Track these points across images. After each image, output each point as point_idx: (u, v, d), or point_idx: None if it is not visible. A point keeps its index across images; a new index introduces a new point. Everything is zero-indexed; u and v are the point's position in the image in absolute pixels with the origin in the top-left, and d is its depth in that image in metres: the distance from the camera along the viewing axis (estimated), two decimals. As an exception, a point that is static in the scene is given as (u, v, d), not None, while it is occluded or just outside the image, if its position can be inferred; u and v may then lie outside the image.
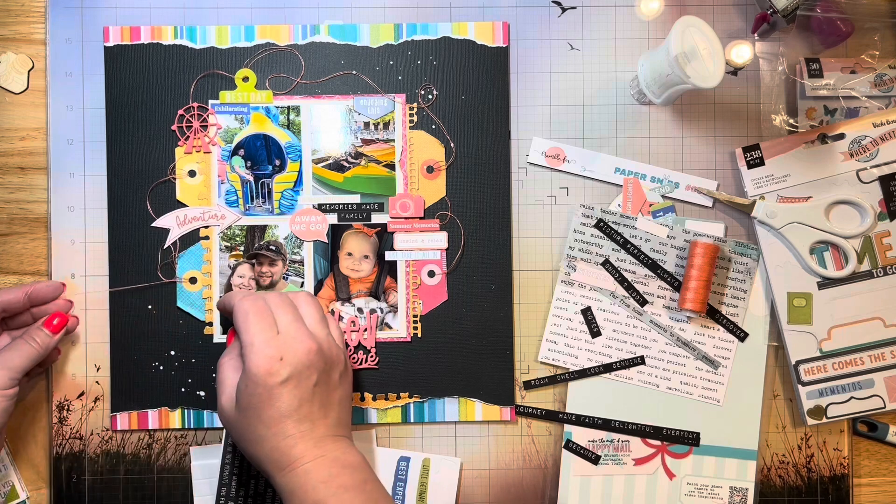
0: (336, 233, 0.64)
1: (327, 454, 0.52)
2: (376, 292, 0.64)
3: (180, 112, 0.64)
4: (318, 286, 0.64)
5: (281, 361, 0.52)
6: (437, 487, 0.64)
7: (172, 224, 0.64)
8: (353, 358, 0.64)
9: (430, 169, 0.65)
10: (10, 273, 0.64)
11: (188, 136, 0.64)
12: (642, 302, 0.65)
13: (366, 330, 0.64)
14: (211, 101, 0.64)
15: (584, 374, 0.65)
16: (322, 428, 0.53)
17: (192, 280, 0.64)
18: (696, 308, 0.62)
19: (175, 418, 0.63)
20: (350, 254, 0.64)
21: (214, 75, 0.64)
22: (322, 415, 0.53)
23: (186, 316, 0.63)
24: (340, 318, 0.64)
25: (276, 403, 0.52)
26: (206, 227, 0.64)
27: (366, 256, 0.64)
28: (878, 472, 0.66)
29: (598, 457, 0.64)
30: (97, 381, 0.63)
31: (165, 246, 0.63)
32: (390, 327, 0.64)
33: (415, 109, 0.65)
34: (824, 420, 0.64)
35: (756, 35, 0.65)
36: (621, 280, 0.65)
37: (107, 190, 0.64)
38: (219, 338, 0.64)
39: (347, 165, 0.64)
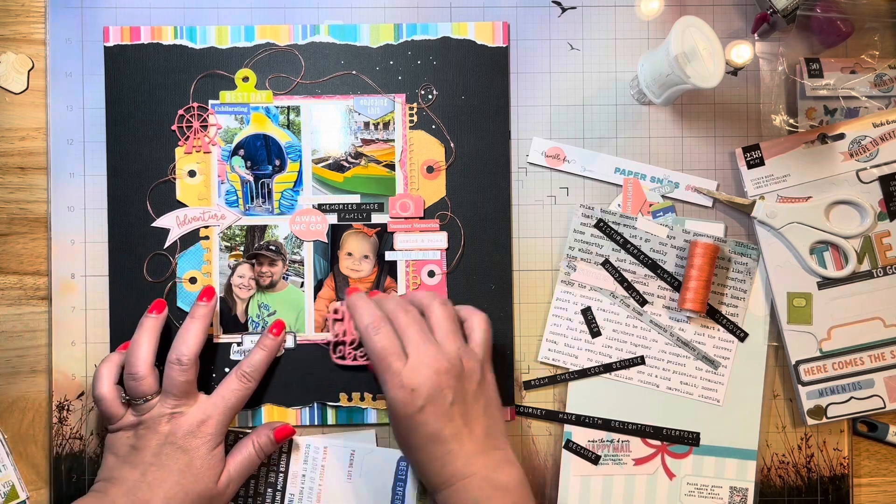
0: (336, 233, 0.64)
1: (478, 472, 0.53)
2: (376, 292, 0.64)
3: (180, 112, 0.64)
4: (318, 286, 0.64)
5: (413, 393, 0.53)
6: (437, 487, 0.64)
7: (172, 224, 0.64)
8: (351, 355, 0.63)
9: (430, 169, 0.65)
10: (10, 273, 0.64)
11: (188, 136, 0.64)
12: (642, 302, 0.65)
13: None
14: (211, 101, 0.64)
15: (584, 374, 0.65)
16: (469, 444, 0.54)
17: (192, 280, 0.64)
18: (696, 308, 0.62)
19: (175, 418, 0.63)
20: (350, 254, 0.64)
21: (214, 75, 0.64)
22: (467, 431, 0.54)
23: (187, 316, 0.63)
24: (341, 318, 0.64)
25: (419, 430, 0.53)
26: (206, 227, 0.64)
27: (366, 256, 0.64)
28: (878, 472, 0.66)
29: (598, 457, 0.64)
30: (97, 381, 0.63)
31: (166, 246, 0.63)
32: (390, 327, 0.64)
33: (415, 109, 0.65)
34: (824, 420, 0.64)
35: (756, 35, 0.65)
36: (621, 280, 0.65)
37: (107, 190, 0.64)
38: (219, 338, 0.64)
39: (347, 165, 0.65)
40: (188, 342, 0.59)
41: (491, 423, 0.55)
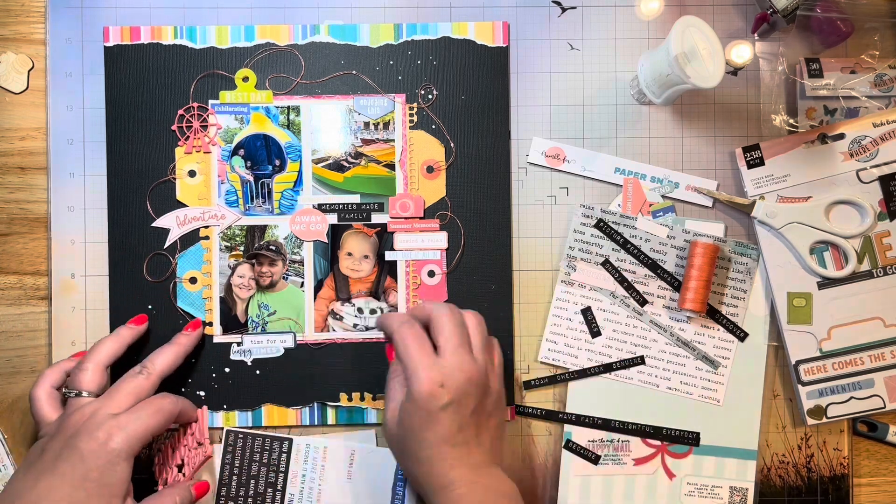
0: (336, 233, 0.64)
1: (480, 480, 0.54)
2: (376, 292, 0.64)
3: (180, 112, 0.64)
4: (318, 286, 0.64)
5: (442, 388, 0.54)
6: (437, 487, 0.64)
7: (172, 224, 0.64)
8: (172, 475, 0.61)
9: (430, 169, 0.65)
10: (10, 273, 0.64)
11: (188, 136, 0.64)
12: (642, 302, 0.65)
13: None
14: (211, 101, 0.64)
15: (584, 374, 0.65)
16: (477, 454, 0.55)
17: (192, 280, 0.64)
18: (696, 308, 0.62)
19: (175, 418, 0.63)
20: (350, 254, 0.64)
21: (214, 75, 0.64)
22: (477, 441, 0.55)
23: (186, 316, 0.63)
24: (341, 317, 0.64)
25: (436, 427, 0.54)
26: (206, 227, 0.64)
27: (366, 256, 0.64)
28: (878, 472, 0.66)
29: (598, 457, 0.64)
30: (97, 381, 0.63)
31: (165, 246, 0.63)
32: (390, 327, 0.64)
33: (415, 109, 0.65)
34: (824, 420, 0.64)
35: (756, 35, 0.65)
36: (621, 280, 0.65)
37: (107, 190, 0.64)
38: (219, 338, 0.64)
39: (347, 165, 0.65)
40: (161, 358, 0.59)
41: (497, 442, 0.57)
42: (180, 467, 0.60)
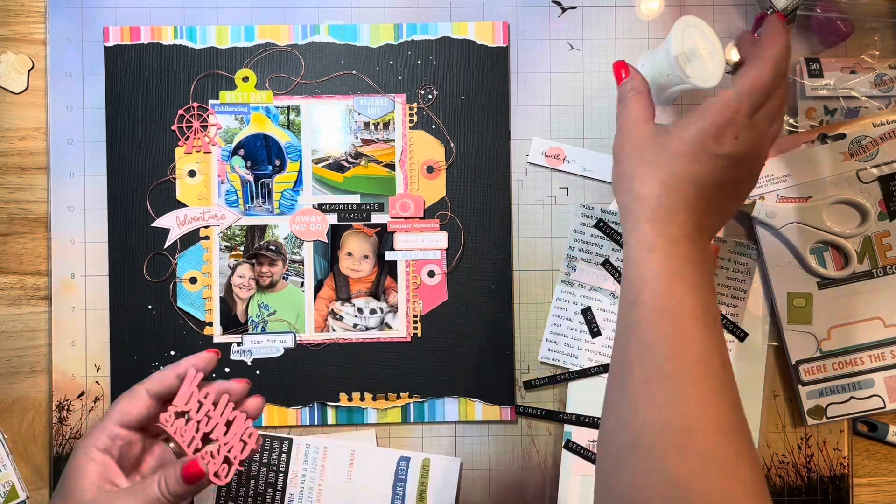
0: (336, 233, 0.64)
1: (692, 244, 0.49)
2: (376, 292, 0.64)
3: (180, 112, 0.64)
4: (318, 286, 0.64)
5: (735, 140, 0.49)
6: (437, 487, 0.64)
7: (172, 224, 0.64)
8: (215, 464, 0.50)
9: (430, 169, 0.65)
10: (10, 273, 0.64)
11: (188, 136, 0.64)
12: (642, 302, 0.65)
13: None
14: (211, 101, 0.64)
15: (584, 374, 0.65)
16: (703, 219, 0.50)
17: (192, 280, 0.64)
18: (696, 308, 0.62)
19: (175, 418, 0.63)
20: (350, 254, 0.64)
21: (214, 75, 0.64)
22: (711, 209, 0.50)
23: (186, 316, 0.63)
24: (341, 317, 0.64)
25: (699, 167, 0.49)
26: (206, 227, 0.64)
27: (366, 256, 0.64)
28: (878, 472, 0.66)
29: (598, 457, 0.64)
30: (97, 381, 0.63)
31: (166, 246, 0.63)
32: (390, 327, 0.64)
33: (415, 109, 0.65)
34: (824, 420, 0.64)
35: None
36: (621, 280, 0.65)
37: (107, 190, 0.64)
38: (219, 338, 0.64)
39: (347, 165, 0.65)
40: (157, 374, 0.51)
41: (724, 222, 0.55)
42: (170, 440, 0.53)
